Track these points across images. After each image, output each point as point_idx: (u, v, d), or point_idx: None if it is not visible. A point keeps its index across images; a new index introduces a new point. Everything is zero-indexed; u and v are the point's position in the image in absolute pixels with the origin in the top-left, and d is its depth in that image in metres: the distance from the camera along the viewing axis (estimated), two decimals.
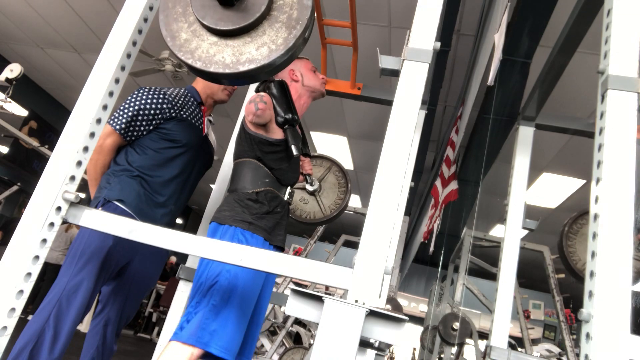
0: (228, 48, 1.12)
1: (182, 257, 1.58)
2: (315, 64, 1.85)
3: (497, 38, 1.66)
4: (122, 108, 1.74)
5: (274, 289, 4.54)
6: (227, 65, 1.11)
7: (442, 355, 5.51)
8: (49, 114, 7.52)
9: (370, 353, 1.83)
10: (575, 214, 2.85)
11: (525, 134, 2.13)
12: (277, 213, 1.59)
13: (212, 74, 1.13)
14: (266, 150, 1.58)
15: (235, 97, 2.15)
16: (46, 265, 5.66)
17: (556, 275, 4.04)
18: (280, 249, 1.62)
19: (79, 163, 1.16)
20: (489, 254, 4.94)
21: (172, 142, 1.77)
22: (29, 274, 1.08)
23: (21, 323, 1.12)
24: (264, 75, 1.18)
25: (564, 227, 2.80)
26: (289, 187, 1.67)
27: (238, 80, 1.17)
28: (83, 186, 1.31)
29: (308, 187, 2.65)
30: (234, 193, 1.57)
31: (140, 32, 1.28)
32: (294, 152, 1.53)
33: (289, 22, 1.12)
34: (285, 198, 1.64)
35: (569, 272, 2.77)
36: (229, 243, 1.10)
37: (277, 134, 1.59)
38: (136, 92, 1.77)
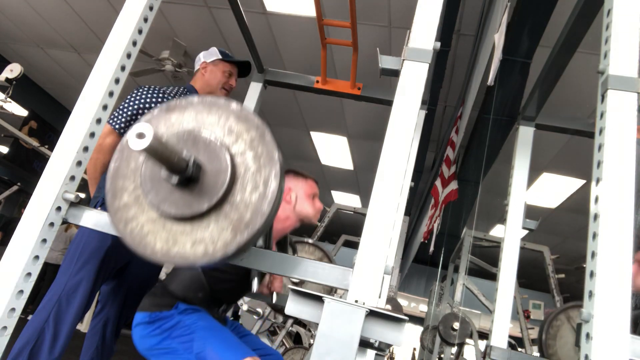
0: (164, 232, 0.96)
1: None
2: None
3: (497, 38, 1.66)
4: (121, 107, 1.74)
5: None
6: (155, 252, 0.96)
7: (442, 355, 5.51)
8: (49, 114, 7.52)
9: (370, 353, 1.83)
10: (555, 313, 2.84)
11: (525, 134, 2.13)
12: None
13: (139, 253, 0.99)
14: (218, 268, 1.46)
15: (235, 97, 2.14)
16: (46, 265, 5.66)
17: (556, 275, 4.04)
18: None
19: (79, 163, 1.16)
20: (489, 254, 4.95)
21: None
22: (29, 274, 1.08)
23: (21, 323, 1.12)
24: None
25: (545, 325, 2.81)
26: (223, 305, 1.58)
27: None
28: (83, 186, 1.31)
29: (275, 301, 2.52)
30: (163, 290, 1.47)
31: (140, 32, 1.28)
32: (254, 288, 1.43)
33: (238, 225, 0.93)
34: (220, 312, 1.56)
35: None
36: None
37: None
38: (135, 91, 1.77)
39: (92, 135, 1.18)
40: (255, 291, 1.44)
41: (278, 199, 0.95)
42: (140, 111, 1.72)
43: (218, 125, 0.98)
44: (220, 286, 1.48)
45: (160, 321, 1.38)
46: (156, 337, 1.37)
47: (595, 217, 0.99)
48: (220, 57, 2.03)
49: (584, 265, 1.01)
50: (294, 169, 1.71)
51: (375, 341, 0.91)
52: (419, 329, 7.67)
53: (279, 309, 2.57)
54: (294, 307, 0.90)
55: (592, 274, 0.94)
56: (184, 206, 0.93)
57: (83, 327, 4.66)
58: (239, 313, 4.65)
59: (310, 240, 2.84)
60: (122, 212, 1.00)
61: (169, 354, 1.35)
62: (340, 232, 5.31)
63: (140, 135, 0.75)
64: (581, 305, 2.76)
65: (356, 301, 0.88)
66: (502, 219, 2.09)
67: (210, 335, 1.34)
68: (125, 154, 1.03)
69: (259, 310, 4.53)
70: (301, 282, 2.39)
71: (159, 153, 0.82)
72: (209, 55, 2.04)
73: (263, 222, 0.92)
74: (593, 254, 0.96)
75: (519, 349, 6.11)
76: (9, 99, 5.01)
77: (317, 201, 1.67)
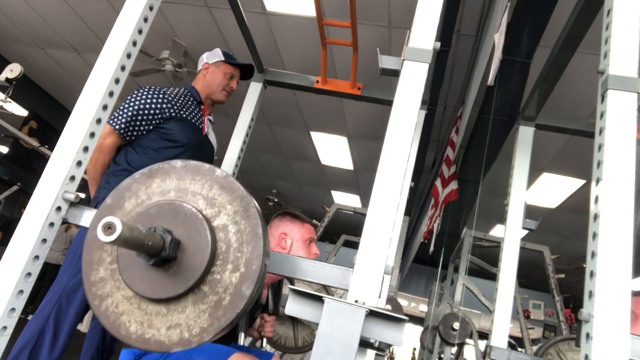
0: (139, 312, 0.90)
1: None
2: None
3: (497, 38, 1.66)
4: (121, 108, 1.74)
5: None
6: (129, 335, 0.89)
7: (442, 355, 5.51)
8: (49, 114, 7.52)
9: (370, 353, 1.83)
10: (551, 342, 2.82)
11: (525, 134, 2.13)
12: None
13: (114, 335, 0.92)
14: None
15: (235, 98, 2.15)
16: (46, 265, 5.66)
17: (556, 275, 4.04)
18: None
19: (79, 163, 1.16)
20: (489, 254, 4.95)
21: (172, 142, 1.77)
22: (29, 274, 1.08)
23: (21, 323, 1.12)
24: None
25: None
26: None
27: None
28: (83, 186, 1.31)
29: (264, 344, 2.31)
30: None
31: (140, 32, 1.28)
32: (240, 341, 1.41)
33: (216, 310, 0.86)
34: None
35: None
36: None
37: None
38: (136, 92, 1.77)
39: (92, 135, 1.19)
40: (241, 344, 1.42)
41: (260, 279, 0.89)
42: (140, 112, 1.72)
43: (201, 195, 0.93)
44: None
45: (146, 356, 1.35)
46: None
47: (595, 217, 0.99)
48: (222, 58, 2.03)
49: (584, 265, 1.01)
50: (291, 211, 1.67)
51: (375, 341, 0.91)
52: (419, 329, 7.67)
53: (278, 345, 2.54)
54: (294, 307, 0.90)
55: (592, 274, 0.94)
56: (159, 288, 0.87)
57: (83, 327, 4.66)
58: None
59: (313, 280, 2.78)
60: (97, 287, 0.94)
61: None
62: (340, 232, 5.32)
63: (108, 228, 0.71)
64: (570, 338, 2.70)
65: (356, 301, 0.88)
66: (502, 219, 2.09)
67: (194, 350, 1.31)
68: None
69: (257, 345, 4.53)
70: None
71: (129, 243, 0.76)
72: (211, 56, 2.04)
73: (243, 306, 0.86)
74: (593, 254, 0.96)
75: (519, 349, 6.11)
76: (9, 99, 5.01)
77: (313, 246, 1.63)
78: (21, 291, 1.07)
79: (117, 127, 1.70)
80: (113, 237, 0.70)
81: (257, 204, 0.93)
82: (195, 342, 0.87)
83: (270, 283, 1.63)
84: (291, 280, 2.04)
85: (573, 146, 5.07)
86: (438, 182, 3.77)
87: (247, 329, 1.53)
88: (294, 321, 2.58)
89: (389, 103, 1.07)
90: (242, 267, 0.88)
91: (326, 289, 2.84)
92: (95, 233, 0.88)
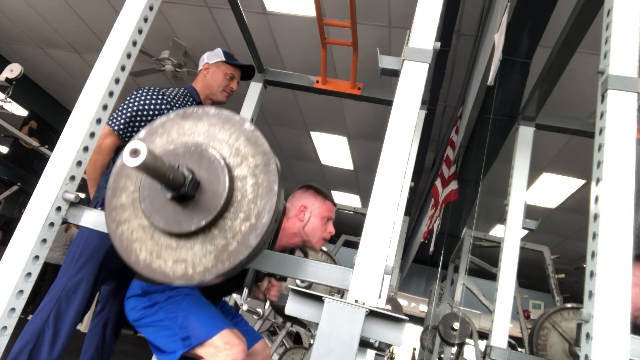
0: (151, 242, 0.95)
1: None
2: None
3: (497, 38, 1.66)
4: (120, 108, 1.74)
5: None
6: (138, 262, 0.95)
7: (442, 355, 5.51)
8: (49, 114, 7.52)
9: (370, 353, 1.83)
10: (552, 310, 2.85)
11: (525, 134, 2.13)
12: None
13: (123, 258, 0.98)
14: None
15: (235, 98, 2.15)
16: (46, 265, 5.66)
17: (556, 275, 4.04)
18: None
19: (79, 163, 1.16)
20: (489, 254, 4.95)
21: None
22: (29, 274, 1.08)
23: (21, 323, 1.12)
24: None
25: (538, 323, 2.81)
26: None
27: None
28: (83, 186, 1.31)
29: (299, 282, 2.49)
30: None
31: (140, 32, 1.28)
32: (243, 298, 1.46)
33: (221, 253, 0.90)
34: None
35: None
36: None
37: None
38: (135, 93, 1.77)
39: (92, 135, 1.18)
40: (244, 302, 1.46)
41: (268, 234, 0.92)
42: (139, 112, 1.72)
43: (227, 144, 0.97)
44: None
45: (151, 294, 1.44)
46: (146, 309, 1.43)
47: (595, 217, 0.99)
48: (223, 59, 2.02)
49: (584, 265, 1.01)
50: (315, 186, 1.68)
51: (375, 341, 0.91)
52: (419, 329, 7.67)
53: (279, 309, 2.57)
54: (294, 307, 0.91)
55: (592, 274, 0.94)
56: (173, 222, 0.91)
57: (83, 327, 4.67)
58: (238, 312, 4.64)
59: (324, 248, 2.79)
60: (117, 212, 0.99)
61: (155, 325, 1.41)
62: (340, 232, 5.31)
63: (134, 153, 0.75)
64: (564, 309, 2.76)
65: (356, 301, 0.88)
66: (502, 219, 2.09)
67: (194, 308, 1.40)
68: None
69: (259, 310, 4.52)
70: (309, 285, 2.41)
71: (152, 171, 0.80)
72: (212, 57, 2.03)
73: (247, 254, 0.89)
74: (593, 254, 0.96)
75: (519, 349, 6.11)
76: (9, 99, 5.01)
77: (329, 225, 1.64)
78: (21, 291, 1.07)
79: (116, 127, 1.70)
80: (137, 162, 0.74)
81: (278, 162, 0.96)
82: (197, 279, 0.90)
83: (281, 250, 1.65)
84: (305, 252, 2.04)
85: (573, 146, 5.07)
86: (438, 182, 3.77)
87: (252, 286, 1.55)
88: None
89: (389, 103, 1.07)
90: (252, 218, 0.91)
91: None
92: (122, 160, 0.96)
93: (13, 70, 4.50)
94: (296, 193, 1.67)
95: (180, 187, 0.88)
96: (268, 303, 1.72)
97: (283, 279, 1.65)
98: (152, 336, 1.42)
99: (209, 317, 1.38)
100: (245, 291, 1.46)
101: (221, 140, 0.98)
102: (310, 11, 4.05)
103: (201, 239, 0.92)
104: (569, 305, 2.86)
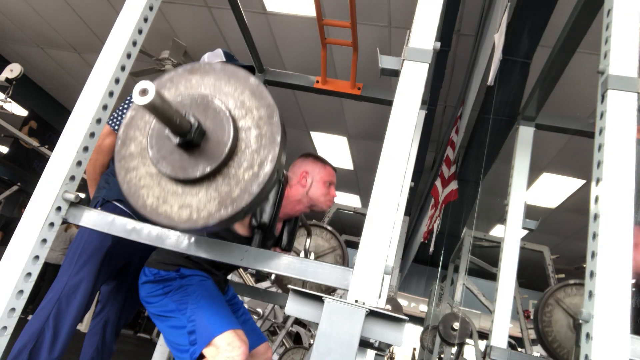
0: (158, 188, 0.99)
1: None
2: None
3: (497, 38, 1.66)
4: (120, 108, 1.74)
5: (274, 289, 4.55)
6: (145, 206, 0.98)
7: (442, 355, 5.51)
8: (49, 114, 7.52)
9: (370, 353, 1.83)
10: (559, 285, 2.88)
11: (525, 134, 2.13)
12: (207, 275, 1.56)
13: (130, 204, 1.01)
14: (220, 235, 1.48)
15: None
16: (46, 265, 5.66)
17: (556, 275, 4.03)
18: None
19: (79, 163, 1.16)
20: (489, 254, 4.94)
21: None
22: (29, 274, 1.08)
23: (21, 323, 1.12)
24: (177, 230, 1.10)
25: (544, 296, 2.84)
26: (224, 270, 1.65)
27: (148, 222, 1.05)
28: (83, 186, 1.31)
29: (301, 254, 2.50)
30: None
31: (140, 32, 1.28)
32: None
33: (225, 198, 0.94)
34: (220, 276, 1.63)
35: (542, 348, 2.82)
36: (228, 243, 1.10)
37: (244, 229, 1.50)
38: None
39: (92, 135, 1.19)
40: None
41: (270, 183, 0.96)
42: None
43: (232, 97, 1.01)
44: None
45: (163, 282, 1.47)
46: (158, 296, 1.47)
47: (595, 217, 0.99)
48: (223, 59, 2.02)
49: (584, 265, 1.01)
50: (314, 153, 1.74)
51: (375, 341, 0.91)
52: (419, 329, 7.67)
53: (284, 284, 2.60)
54: (294, 307, 0.91)
55: (592, 274, 0.94)
56: (179, 169, 0.95)
57: (83, 327, 4.67)
58: None
59: (329, 227, 2.80)
60: (125, 161, 1.03)
61: (166, 313, 1.45)
62: (340, 232, 5.31)
63: (143, 92, 0.78)
64: (567, 285, 2.80)
65: (356, 301, 0.88)
66: (502, 219, 2.09)
67: (203, 303, 1.42)
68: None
69: (259, 310, 4.53)
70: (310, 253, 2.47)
71: (159, 111, 0.83)
72: (212, 57, 2.03)
73: (249, 201, 0.93)
74: (593, 254, 0.96)
75: (519, 349, 6.11)
76: (9, 99, 5.01)
77: (332, 189, 1.68)
78: (21, 291, 1.07)
79: (116, 127, 1.70)
80: (146, 100, 0.77)
81: (281, 116, 0.99)
82: (202, 223, 0.94)
83: (286, 218, 1.67)
84: (308, 231, 2.04)
85: (573, 146, 5.07)
86: (438, 182, 3.77)
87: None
88: None
89: (389, 103, 1.07)
90: (255, 167, 0.95)
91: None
92: (134, 112, 1.05)
93: (13, 70, 4.49)
94: (296, 162, 1.72)
95: (186, 133, 0.92)
96: (274, 276, 1.74)
97: (288, 249, 1.68)
98: (162, 325, 1.46)
99: (216, 315, 1.40)
100: None
101: (227, 93, 1.01)
102: (310, 11, 4.05)
103: (206, 186, 0.96)
104: (571, 281, 2.89)
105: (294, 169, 1.67)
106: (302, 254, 2.56)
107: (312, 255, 2.59)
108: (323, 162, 1.69)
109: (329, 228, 2.77)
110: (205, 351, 1.34)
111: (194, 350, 1.35)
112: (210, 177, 0.95)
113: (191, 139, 0.92)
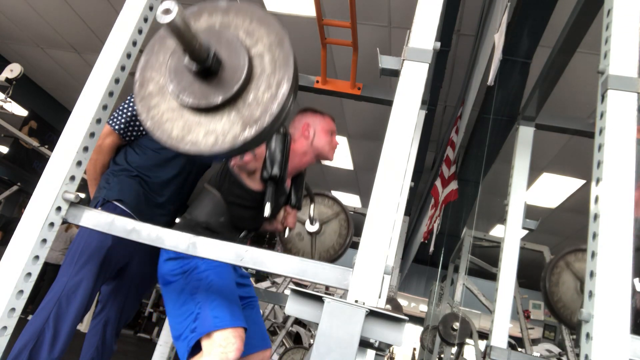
0: (181, 121, 1.04)
1: None
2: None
3: (497, 38, 1.66)
4: (121, 108, 1.74)
5: (274, 289, 4.55)
6: (171, 138, 1.03)
7: (442, 355, 5.51)
8: (49, 114, 7.52)
9: (370, 353, 1.83)
10: (565, 251, 2.91)
11: (525, 134, 2.13)
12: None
13: (155, 138, 1.05)
14: (236, 193, 1.53)
15: None
16: (46, 265, 5.66)
17: None
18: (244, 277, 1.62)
19: (79, 163, 1.16)
20: (489, 254, 4.94)
21: None
22: (29, 274, 1.08)
23: (21, 323, 1.13)
24: (206, 158, 1.14)
25: (552, 262, 2.87)
26: (244, 231, 1.64)
27: (176, 152, 1.08)
28: (83, 186, 1.31)
29: (308, 227, 2.55)
30: (187, 219, 1.54)
31: (140, 32, 1.28)
32: (266, 212, 1.48)
33: (248, 120, 1.00)
34: (240, 240, 1.62)
35: (547, 307, 2.86)
36: (228, 243, 1.09)
37: (256, 184, 1.53)
38: None
39: (92, 135, 1.19)
40: (267, 215, 1.49)
41: (287, 103, 1.00)
42: None
43: (242, 27, 1.05)
44: (238, 212, 1.55)
45: (181, 260, 1.46)
46: (176, 275, 1.47)
47: (595, 217, 0.99)
48: None
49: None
50: (312, 107, 1.78)
51: (375, 341, 0.91)
52: (419, 329, 7.67)
53: (288, 247, 2.63)
54: (294, 307, 0.90)
55: (592, 274, 0.94)
56: (201, 97, 1.00)
57: (83, 327, 4.66)
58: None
59: (330, 194, 2.81)
60: (146, 100, 1.07)
61: (179, 293, 1.44)
62: None
63: (167, 11, 0.82)
64: (579, 250, 2.82)
65: (356, 301, 0.88)
66: (502, 219, 2.09)
67: (212, 292, 1.41)
68: (155, 48, 1.12)
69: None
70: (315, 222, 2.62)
71: (181, 32, 0.88)
72: None
73: (271, 121, 0.99)
74: (593, 254, 0.96)
75: (519, 349, 6.11)
76: (9, 99, 5.01)
77: (334, 138, 1.74)
78: (21, 291, 1.07)
79: (116, 127, 1.70)
80: (169, 18, 0.83)
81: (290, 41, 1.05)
82: (227, 147, 1.00)
83: (295, 174, 1.71)
84: (312, 198, 2.07)
85: (573, 146, 5.07)
86: (438, 182, 3.77)
87: (276, 212, 1.59)
88: (313, 238, 2.67)
89: (389, 103, 1.07)
90: (273, 88, 1.00)
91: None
92: (148, 56, 1.11)
93: (13, 70, 4.49)
94: (296, 117, 1.75)
95: (205, 60, 0.96)
96: (288, 231, 1.80)
97: (298, 207, 1.73)
98: (171, 307, 1.44)
99: (223, 308, 1.38)
100: (268, 206, 1.49)
101: (236, 25, 1.06)
102: (310, 11, 4.04)
103: (227, 111, 1.01)
104: (583, 246, 2.90)
105: (295, 124, 1.71)
106: (307, 222, 2.57)
107: (318, 223, 2.64)
108: (321, 113, 1.74)
109: (330, 194, 2.79)
110: (202, 342, 1.34)
111: (192, 337, 1.35)
112: (231, 102, 1.01)
113: (209, 66, 0.97)
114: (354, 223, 2.77)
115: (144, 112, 1.06)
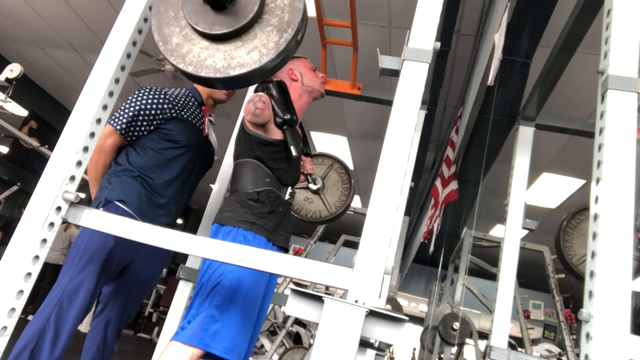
0: (219, 52, 1.11)
1: (183, 257, 1.59)
2: (315, 64, 1.85)
3: (497, 38, 1.66)
4: (122, 108, 1.74)
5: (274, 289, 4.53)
6: (218, 70, 1.09)
7: (442, 355, 5.51)
8: (49, 114, 7.52)
9: (370, 353, 1.83)
10: (574, 210, 2.87)
11: (525, 134, 2.13)
12: (279, 213, 1.59)
13: (203, 79, 1.12)
14: (265, 151, 1.58)
15: (236, 98, 2.15)
16: (46, 265, 5.66)
17: (556, 275, 4.04)
18: (284, 249, 1.61)
19: (79, 163, 1.16)
20: (489, 254, 4.94)
21: (173, 143, 1.77)
22: (29, 274, 1.08)
23: (21, 323, 1.13)
24: (257, 79, 1.17)
25: (562, 222, 2.82)
26: (289, 187, 1.67)
27: (230, 84, 1.15)
28: (83, 186, 1.31)
29: (311, 186, 2.65)
30: (235, 194, 1.56)
31: (140, 32, 1.28)
32: (293, 152, 1.54)
33: (280, 26, 1.10)
34: (286, 198, 1.64)
35: (563, 267, 2.82)
36: (228, 243, 1.10)
37: (276, 134, 1.59)
38: (137, 92, 1.77)
39: (92, 135, 1.19)
40: (295, 154, 1.54)
41: (305, 5, 1.12)
42: (142, 112, 1.72)
43: None
44: (277, 165, 1.61)
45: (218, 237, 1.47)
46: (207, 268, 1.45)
47: (595, 217, 0.99)
48: None
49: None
50: None
51: (375, 341, 0.91)
52: (419, 329, 7.66)
53: (314, 222, 2.76)
54: (294, 307, 0.91)
55: (592, 274, 0.94)
56: (231, 22, 1.09)
57: (83, 327, 4.66)
58: None
59: (316, 152, 2.88)
60: (177, 51, 1.13)
61: (211, 289, 1.39)
62: (340, 232, 5.30)
63: None
64: (586, 209, 2.72)
65: (356, 301, 0.88)
66: (502, 219, 2.09)
67: (236, 311, 1.37)
68: (162, 8, 1.18)
69: None
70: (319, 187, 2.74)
71: None
72: None
73: (300, 17, 1.10)
74: (593, 254, 0.96)
75: (519, 349, 6.11)
76: (9, 99, 5.01)
77: (317, 72, 1.82)
78: (21, 291, 1.07)
79: (118, 127, 1.70)
80: None
81: None
82: (273, 53, 1.09)
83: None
84: (313, 180, 2.15)
85: (573, 146, 5.07)
86: (438, 182, 3.77)
87: (299, 144, 1.65)
88: (321, 195, 2.76)
89: (389, 103, 1.07)
90: None
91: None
92: (158, 16, 1.17)
93: (13, 70, 4.49)
94: (277, 73, 1.81)
95: None
96: (312, 180, 1.91)
97: (308, 153, 1.82)
98: (201, 298, 1.40)
99: (230, 333, 1.34)
100: (293, 149, 1.55)
101: None
102: (310, 11, 4.04)
103: (258, 27, 1.11)
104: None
105: (280, 75, 1.76)
106: (310, 185, 2.64)
107: (319, 180, 2.73)
108: (297, 56, 1.81)
109: (317, 152, 2.87)
110: (186, 350, 1.31)
111: (192, 337, 1.32)
112: (257, 19, 1.11)
113: None
114: (354, 223, 2.79)
115: (181, 61, 1.12)
